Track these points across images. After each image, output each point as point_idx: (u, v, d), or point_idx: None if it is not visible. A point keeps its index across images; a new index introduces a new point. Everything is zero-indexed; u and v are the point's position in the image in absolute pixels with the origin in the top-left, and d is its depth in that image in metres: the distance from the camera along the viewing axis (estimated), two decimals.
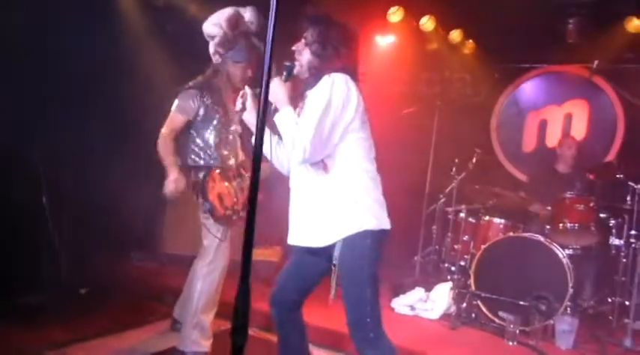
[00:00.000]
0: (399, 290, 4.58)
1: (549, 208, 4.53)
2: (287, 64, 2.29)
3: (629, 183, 4.28)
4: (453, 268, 4.79)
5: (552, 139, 5.89)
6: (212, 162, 3.23)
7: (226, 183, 3.24)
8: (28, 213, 4.08)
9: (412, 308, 4.36)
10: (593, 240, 4.39)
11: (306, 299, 2.53)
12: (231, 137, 3.32)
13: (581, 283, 4.52)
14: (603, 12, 4.70)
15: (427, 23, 5.25)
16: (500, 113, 6.20)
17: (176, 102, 3.22)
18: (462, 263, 4.72)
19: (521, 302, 4.03)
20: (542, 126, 6.01)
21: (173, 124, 3.19)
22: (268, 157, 2.47)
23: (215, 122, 3.24)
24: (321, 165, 2.24)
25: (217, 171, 3.21)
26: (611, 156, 5.63)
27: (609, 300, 4.38)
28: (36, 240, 4.17)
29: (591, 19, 4.83)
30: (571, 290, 3.97)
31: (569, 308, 4.03)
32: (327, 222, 2.26)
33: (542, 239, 4.16)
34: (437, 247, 5.43)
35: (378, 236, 2.28)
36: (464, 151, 5.13)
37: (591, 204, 4.31)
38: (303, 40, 2.31)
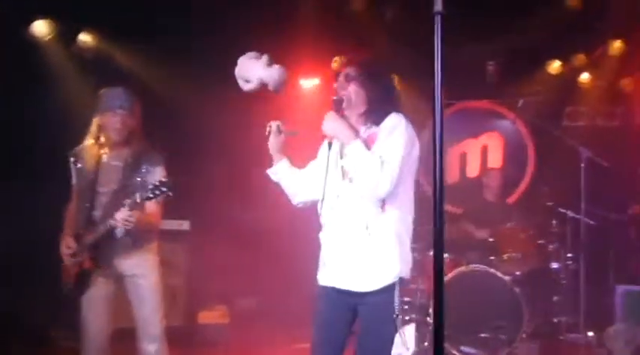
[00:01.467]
0: None
1: (491, 239, 4.73)
2: (335, 98, 2.26)
3: (561, 209, 4.65)
4: (406, 307, 4.81)
5: (472, 170, 6.27)
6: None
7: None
8: None
9: None
10: (535, 266, 4.67)
11: None
12: (102, 198, 3.03)
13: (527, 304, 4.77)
14: (523, 56, 5.11)
15: None
16: (421, 148, 6.45)
17: None
18: (412, 300, 4.76)
19: (482, 335, 4.15)
20: (462, 158, 6.36)
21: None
22: (290, 190, 2.45)
23: (85, 187, 3.03)
24: (381, 202, 2.17)
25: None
26: (525, 183, 6.09)
27: (554, 320, 4.67)
28: None
29: (511, 62, 5.23)
30: (527, 317, 4.15)
31: (524, 334, 4.21)
32: (375, 265, 2.16)
33: (492, 270, 4.33)
34: None
35: (404, 285, 2.22)
36: None
37: (531, 232, 4.60)
38: (342, 78, 2.29)
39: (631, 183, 5.07)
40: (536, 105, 5.51)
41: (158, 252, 3.14)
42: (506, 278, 4.29)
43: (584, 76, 5.55)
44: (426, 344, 4.35)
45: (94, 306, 3.00)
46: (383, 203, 2.16)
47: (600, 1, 4.07)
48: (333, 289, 2.25)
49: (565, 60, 5.36)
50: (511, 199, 5.78)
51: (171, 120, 4.18)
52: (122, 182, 2.96)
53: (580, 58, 5.31)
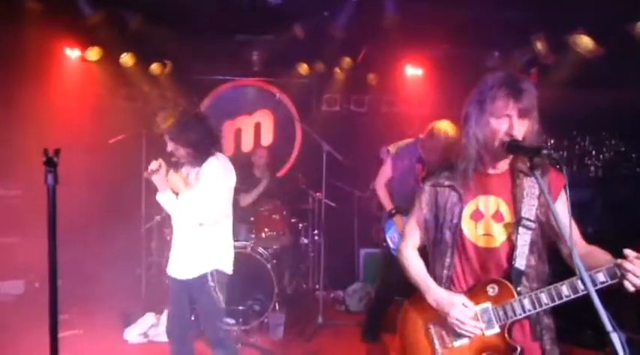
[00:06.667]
0: (129, 319, 4.71)
1: (252, 219, 5.26)
2: (173, 159, 3.01)
3: (310, 192, 5.35)
4: None
5: (247, 145, 6.71)
6: None
7: None
8: None
9: (145, 335, 4.57)
10: (288, 241, 5.35)
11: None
12: None
13: (282, 274, 5.48)
14: (282, 53, 5.63)
15: (126, 59, 5.29)
16: None
17: None
18: None
19: (240, 307, 4.70)
20: (238, 133, 6.76)
21: None
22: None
23: None
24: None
25: None
26: (294, 156, 6.74)
27: (303, 286, 5.47)
28: None
29: (273, 54, 5.69)
30: (277, 290, 4.80)
31: (277, 305, 4.88)
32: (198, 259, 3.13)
33: (249, 251, 4.84)
34: (157, 260, 5.69)
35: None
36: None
37: (284, 213, 5.23)
38: (171, 142, 2.95)
39: (377, 163, 5.94)
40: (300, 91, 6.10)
41: None
42: (261, 257, 4.84)
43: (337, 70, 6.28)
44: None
45: None
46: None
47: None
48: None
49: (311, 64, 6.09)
50: (281, 173, 6.40)
51: None
52: None
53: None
